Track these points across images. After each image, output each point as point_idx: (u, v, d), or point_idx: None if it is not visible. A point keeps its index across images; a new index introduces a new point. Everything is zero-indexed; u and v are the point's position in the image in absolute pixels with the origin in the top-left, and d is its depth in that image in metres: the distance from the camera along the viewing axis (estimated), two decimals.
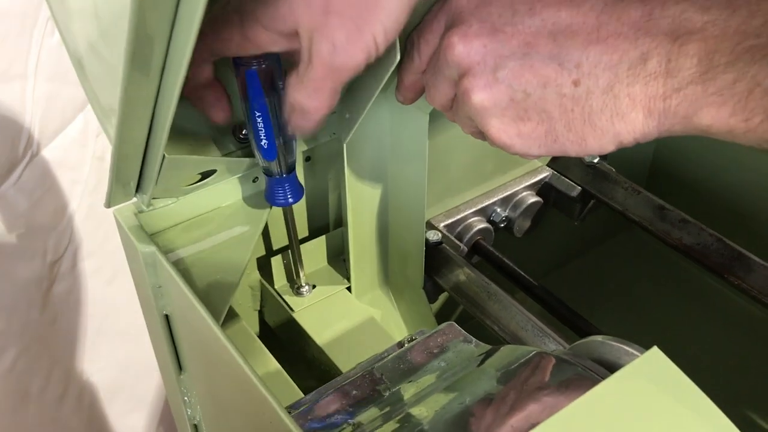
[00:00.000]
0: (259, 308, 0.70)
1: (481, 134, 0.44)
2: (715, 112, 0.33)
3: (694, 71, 0.34)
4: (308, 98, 0.43)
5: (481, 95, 0.40)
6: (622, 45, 0.36)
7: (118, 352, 1.00)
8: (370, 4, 0.39)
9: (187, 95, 0.47)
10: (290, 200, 0.54)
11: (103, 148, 0.87)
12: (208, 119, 0.49)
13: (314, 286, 0.67)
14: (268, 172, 0.53)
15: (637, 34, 0.36)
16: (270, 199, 0.55)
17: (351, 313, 0.65)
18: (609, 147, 0.39)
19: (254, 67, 0.45)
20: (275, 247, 0.66)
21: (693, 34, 0.34)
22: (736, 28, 0.33)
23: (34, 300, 0.87)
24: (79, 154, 0.86)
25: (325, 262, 0.69)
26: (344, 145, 0.56)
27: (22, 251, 0.84)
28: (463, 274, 0.65)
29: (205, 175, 0.53)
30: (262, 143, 0.50)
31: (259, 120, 0.48)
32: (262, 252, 0.66)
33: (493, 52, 0.39)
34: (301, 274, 0.65)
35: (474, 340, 0.52)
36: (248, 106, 0.48)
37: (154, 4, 0.32)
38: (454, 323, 0.54)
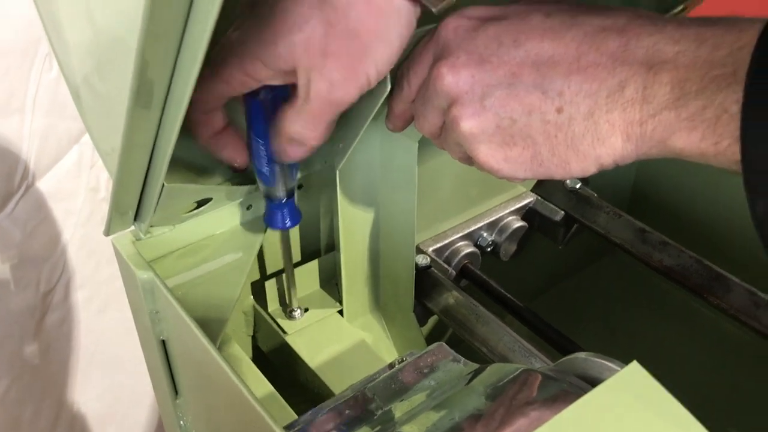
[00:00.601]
0: (252, 334, 0.70)
1: (470, 159, 0.45)
2: (687, 137, 0.35)
3: (667, 98, 0.35)
4: (305, 129, 0.45)
5: (469, 123, 0.41)
6: (601, 74, 0.37)
7: (109, 381, 1.01)
8: (365, 48, 0.41)
9: (204, 144, 0.49)
10: (288, 224, 0.56)
11: (97, 180, 0.88)
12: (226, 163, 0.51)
13: (306, 310, 0.67)
14: (268, 197, 0.54)
15: (615, 64, 0.37)
16: (269, 222, 0.56)
17: (343, 337, 0.66)
18: (591, 170, 0.40)
19: (259, 98, 0.47)
20: (268, 272, 0.67)
21: (666, 63, 0.35)
22: (704, 59, 0.34)
23: (27, 330, 0.87)
24: (73, 186, 0.87)
25: (318, 286, 0.69)
26: (337, 172, 0.57)
27: (15, 281, 0.84)
28: (451, 297, 0.66)
29: (201, 203, 0.54)
30: (264, 170, 0.51)
31: (261, 147, 0.49)
32: (255, 277, 0.66)
33: (480, 82, 0.41)
34: (294, 298, 0.65)
35: (462, 359, 0.53)
36: (251, 134, 0.49)
37: (159, 37, 0.33)
38: (444, 344, 0.54)
